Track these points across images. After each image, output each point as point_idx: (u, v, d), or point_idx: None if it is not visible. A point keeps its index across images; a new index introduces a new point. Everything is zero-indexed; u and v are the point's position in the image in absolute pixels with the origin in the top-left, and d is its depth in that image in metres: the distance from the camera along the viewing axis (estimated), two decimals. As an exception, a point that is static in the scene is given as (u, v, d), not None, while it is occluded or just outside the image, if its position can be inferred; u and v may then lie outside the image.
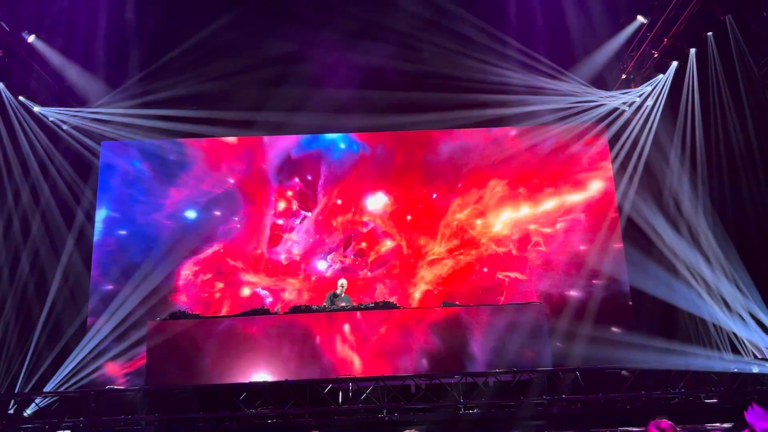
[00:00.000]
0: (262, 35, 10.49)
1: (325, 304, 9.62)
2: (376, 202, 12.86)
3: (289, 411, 7.83)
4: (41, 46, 10.32)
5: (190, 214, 12.43)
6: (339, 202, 12.72)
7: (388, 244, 12.68)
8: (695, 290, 10.23)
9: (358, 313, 9.04)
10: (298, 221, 12.68)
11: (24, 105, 10.90)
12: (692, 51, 10.40)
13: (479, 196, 12.65)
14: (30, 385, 10.20)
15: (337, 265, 12.47)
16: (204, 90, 11.13)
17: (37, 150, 11.01)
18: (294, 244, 12.73)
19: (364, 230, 12.63)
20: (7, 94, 10.57)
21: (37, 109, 11.13)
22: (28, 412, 9.06)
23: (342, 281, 10.15)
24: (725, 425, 6.78)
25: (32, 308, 10.62)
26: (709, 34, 9.95)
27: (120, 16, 10.31)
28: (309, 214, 12.76)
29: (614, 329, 11.11)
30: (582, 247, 11.82)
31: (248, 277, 12.46)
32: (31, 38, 10.09)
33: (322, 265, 12.49)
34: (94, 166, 11.80)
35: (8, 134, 10.61)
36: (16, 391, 9.96)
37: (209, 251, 12.39)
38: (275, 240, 12.61)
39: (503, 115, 11.61)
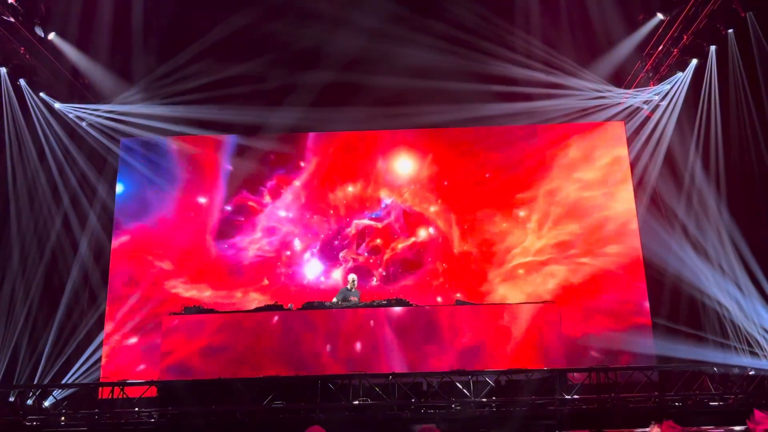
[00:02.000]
0: (282, 31, 10.51)
1: (335, 300, 9.66)
2: (401, 165, 10.48)
3: (300, 406, 7.88)
4: (61, 44, 10.45)
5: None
6: (350, 187, 10.86)
7: (422, 235, 10.74)
8: (714, 291, 10.10)
9: (371, 311, 9.05)
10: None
11: (45, 102, 11.05)
12: (712, 48, 10.22)
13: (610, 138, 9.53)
14: (49, 377, 10.38)
15: (350, 264, 11.66)
16: (224, 86, 11.17)
17: (57, 146, 11.17)
18: (265, 236, 10.88)
19: (379, 225, 11.74)
20: (28, 91, 10.73)
21: (57, 105, 11.29)
22: (47, 403, 9.22)
23: (352, 276, 10.12)
24: (738, 428, 6.67)
25: (52, 301, 10.81)
26: (730, 31, 9.77)
27: (140, 13, 10.44)
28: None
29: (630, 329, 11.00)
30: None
31: (180, 289, 10.73)
32: (51, 35, 10.22)
33: (313, 269, 11.05)
34: (113, 162, 11.94)
35: (29, 130, 10.79)
36: (34, 382, 10.14)
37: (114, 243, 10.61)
38: (230, 228, 10.79)
39: (516, 113, 11.42)
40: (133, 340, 11.06)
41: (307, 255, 11.69)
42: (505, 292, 10.71)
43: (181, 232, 11.52)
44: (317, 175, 11.80)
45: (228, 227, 11.69)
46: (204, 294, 10.93)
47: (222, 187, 11.85)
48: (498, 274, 11.26)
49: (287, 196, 11.75)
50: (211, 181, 11.90)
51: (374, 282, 11.56)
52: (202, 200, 11.78)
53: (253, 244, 11.58)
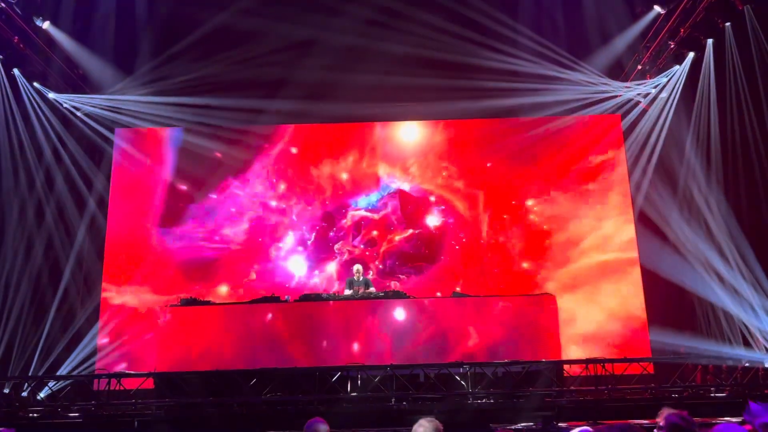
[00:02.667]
0: (277, 21, 10.44)
1: (346, 290, 9.63)
2: (405, 133, 9.78)
3: (298, 398, 7.88)
4: (55, 33, 10.34)
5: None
6: (344, 173, 10.49)
7: (432, 222, 10.34)
8: (708, 283, 10.13)
9: (368, 302, 9.05)
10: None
11: (39, 91, 10.96)
12: (709, 42, 10.24)
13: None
14: (44, 369, 10.33)
15: (345, 257, 11.38)
16: (218, 77, 11.08)
17: (50, 136, 11.09)
18: (227, 221, 10.66)
19: (375, 216, 11.80)
20: (22, 81, 10.65)
21: (51, 95, 11.19)
22: (42, 395, 9.18)
23: (357, 266, 9.99)
24: (734, 419, 6.72)
25: (46, 292, 10.75)
26: (727, 24, 9.79)
27: (136, 2, 10.34)
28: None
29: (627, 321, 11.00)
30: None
31: (110, 293, 10.53)
32: (45, 24, 10.12)
33: (297, 265, 10.84)
34: (107, 152, 11.85)
35: (23, 120, 10.71)
36: (30, 374, 10.10)
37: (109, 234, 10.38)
38: (177, 213, 10.58)
39: (514, 106, 11.38)
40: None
41: (284, 246, 11.44)
42: (571, 307, 9.67)
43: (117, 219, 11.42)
44: (307, 158, 11.58)
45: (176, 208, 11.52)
46: (142, 300, 10.86)
47: (209, 177, 11.76)
48: (556, 278, 10.65)
49: (279, 185, 11.60)
50: (196, 170, 11.79)
51: (371, 275, 11.35)
52: (183, 188, 11.72)
53: (237, 236, 11.45)
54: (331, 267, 11.59)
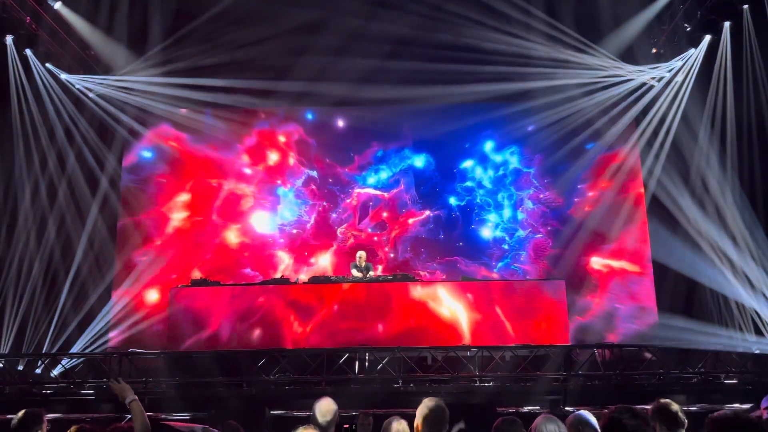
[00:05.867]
0: (285, 3, 10.37)
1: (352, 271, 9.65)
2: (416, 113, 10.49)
3: (306, 378, 7.94)
4: (67, 13, 10.34)
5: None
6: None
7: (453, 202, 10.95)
8: (720, 270, 10.04)
9: (378, 285, 9.07)
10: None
11: (51, 72, 10.99)
12: (726, 24, 10.06)
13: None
14: (57, 347, 10.47)
15: (350, 241, 10.84)
16: (227, 59, 11.03)
17: (63, 117, 11.13)
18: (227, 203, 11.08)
19: (386, 194, 11.81)
20: (34, 61, 10.68)
21: (63, 76, 11.21)
22: (55, 372, 9.32)
23: (360, 253, 9.91)
24: (744, 406, 6.69)
25: (59, 272, 10.84)
26: (745, 6, 9.61)
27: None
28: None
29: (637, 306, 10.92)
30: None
31: (122, 271, 11.19)
32: (57, 5, 10.12)
33: (292, 250, 10.91)
34: (118, 133, 11.89)
35: (35, 101, 10.75)
36: (43, 351, 10.24)
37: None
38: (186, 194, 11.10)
39: (527, 89, 11.23)
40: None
41: (280, 228, 11.27)
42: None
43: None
44: (312, 138, 11.35)
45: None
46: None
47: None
48: (568, 263, 10.85)
49: (270, 158, 11.40)
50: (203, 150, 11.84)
51: (379, 270, 10.75)
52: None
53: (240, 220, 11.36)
54: (333, 252, 11.09)
